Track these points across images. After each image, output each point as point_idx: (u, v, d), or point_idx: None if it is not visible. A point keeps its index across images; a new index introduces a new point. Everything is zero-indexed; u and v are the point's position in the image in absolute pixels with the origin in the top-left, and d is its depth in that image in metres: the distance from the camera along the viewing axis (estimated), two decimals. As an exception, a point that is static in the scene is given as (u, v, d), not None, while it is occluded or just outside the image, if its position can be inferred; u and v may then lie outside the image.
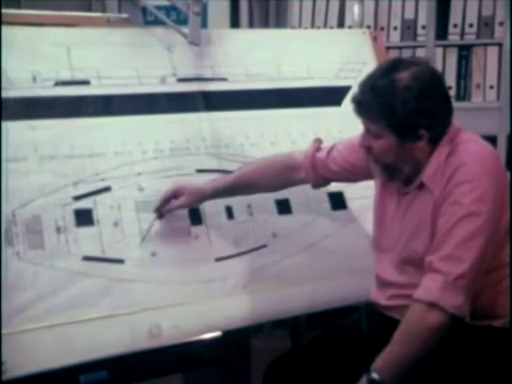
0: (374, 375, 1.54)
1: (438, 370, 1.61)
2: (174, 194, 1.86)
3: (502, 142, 3.31)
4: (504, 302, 1.63)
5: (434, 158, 1.62)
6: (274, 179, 1.94)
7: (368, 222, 2.09)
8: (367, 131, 1.64)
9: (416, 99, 1.54)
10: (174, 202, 1.86)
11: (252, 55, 2.14)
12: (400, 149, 1.60)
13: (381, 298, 1.76)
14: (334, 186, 2.09)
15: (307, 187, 2.05)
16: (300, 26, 3.59)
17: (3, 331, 1.57)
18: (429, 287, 1.54)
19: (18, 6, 2.85)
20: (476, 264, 1.53)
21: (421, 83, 1.55)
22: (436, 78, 1.61)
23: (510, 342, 1.64)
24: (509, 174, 1.65)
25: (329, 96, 2.20)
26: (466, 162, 1.58)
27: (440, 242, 1.56)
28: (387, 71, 1.59)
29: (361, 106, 1.61)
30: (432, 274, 1.54)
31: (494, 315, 1.63)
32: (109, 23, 2.08)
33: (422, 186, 1.65)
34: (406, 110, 1.55)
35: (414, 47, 3.45)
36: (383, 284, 1.75)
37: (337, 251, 2.03)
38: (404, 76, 1.56)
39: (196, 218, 1.90)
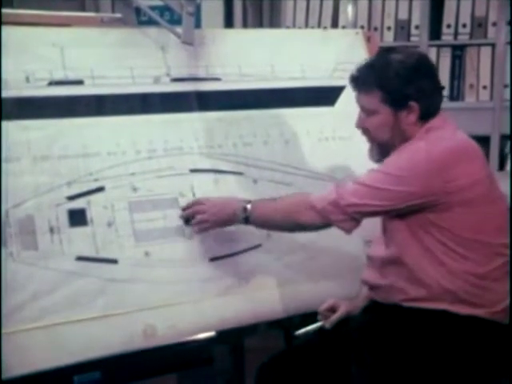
0: (249, 206, 1.79)
1: (421, 358, 1.64)
2: (332, 309, 1.90)
3: (496, 142, 3.33)
4: (482, 290, 1.66)
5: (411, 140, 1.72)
6: None
7: (362, 222, 2.09)
8: (362, 110, 1.76)
9: (408, 70, 1.70)
10: (335, 314, 1.89)
11: (246, 55, 2.14)
12: (394, 123, 1.72)
13: (371, 276, 1.80)
14: (327, 186, 2.09)
15: (300, 186, 2.05)
16: (294, 25, 3.60)
17: (-3, 332, 1.58)
18: (323, 198, 1.72)
19: (11, 6, 2.83)
20: (370, 208, 1.69)
21: (413, 60, 1.72)
22: (425, 59, 1.78)
23: (496, 333, 1.68)
24: (509, 173, 1.67)
25: (322, 96, 2.21)
26: (418, 144, 1.69)
27: (362, 175, 1.73)
28: (382, 53, 1.79)
29: (358, 81, 1.76)
30: (335, 188, 1.72)
31: (477, 303, 1.66)
32: (102, 23, 2.08)
33: None
34: (399, 78, 1.69)
35: (408, 47, 3.46)
36: (374, 262, 1.80)
37: (331, 250, 2.03)
38: (397, 55, 1.73)
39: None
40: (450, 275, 1.66)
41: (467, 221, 1.66)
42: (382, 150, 1.77)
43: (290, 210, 1.77)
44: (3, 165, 1.71)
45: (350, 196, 1.69)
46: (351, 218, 1.71)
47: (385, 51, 1.80)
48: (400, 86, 1.69)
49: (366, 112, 1.75)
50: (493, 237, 1.68)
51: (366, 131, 1.78)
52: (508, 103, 3.34)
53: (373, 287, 1.80)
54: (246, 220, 1.80)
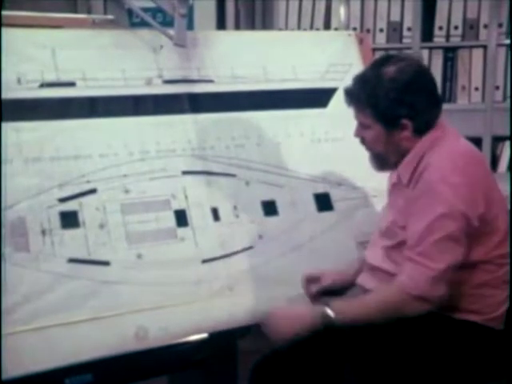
0: (330, 312, 1.63)
1: (416, 361, 1.64)
2: (312, 279, 1.90)
3: (488, 144, 3.34)
4: (480, 297, 1.65)
5: (413, 152, 1.70)
6: None
7: (354, 223, 2.10)
8: (358, 122, 1.73)
9: (398, 90, 1.65)
10: (320, 285, 1.90)
11: (238, 57, 2.14)
12: (387, 138, 1.70)
13: (367, 283, 1.79)
14: (320, 187, 2.09)
15: (293, 188, 2.06)
16: (286, 27, 3.61)
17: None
18: (417, 281, 1.59)
19: (2, 8, 2.83)
20: (458, 258, 1.60)
21: (405, 76, 1.66)
22: (422, 73, 1.71)
23: (493, 340, 1.67)
24: (508, 176, 1.67)
25: (315, 98, 2.21)
26: (437, 159, 1.64)
27: (421, 238, 1.61)
28: (377, 65, 1.71)
29: (350, 96, 1.73)
30: (418, 267, 1.60)
31: (473, 310, 1.65)
32: (94, 25, 2.08)
33: (400, 178, 1.74)
34: (388, 100, 1.65)
35: (400, 49, 3.47)
36: (371, 269, 1.79)
37: (323, 252, 2.03)
38: (391, 69, 1.67)
39: (182, 219, 1.89)
40: (454, 287, 1.63)
41: (475, 239, 1.63)
42: (377, 161, 1.76)
43: (390, 306, 1.63)
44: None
45: (442, 260, 1.58)
46: (447, 283, 1.60)
47: (380, 61, 1.71)
48: (390, 107, 1.65)
49: (361, 125, 1.73)
50: (496, 249, 1.66)
51: (363, 141, 1.76)
52: (499, 105, 3.36)
53: (366, 291, 1.80)
54: (328, 325, 1.64)
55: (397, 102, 1.64)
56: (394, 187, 1.79)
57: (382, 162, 1.75)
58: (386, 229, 1.76)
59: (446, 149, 1.67)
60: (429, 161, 1.65)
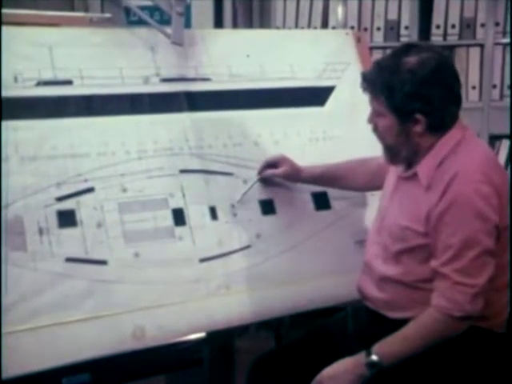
0: (375, 358, 1.59)
1: (424, 369, 1.63)
2: (275, 163, 1.98)
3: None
4: (487, 303, 1.62)
5: (434, 152, 1.65)
6: (362, 178, 2.01)
7: (351, 222, 2.10)
8: (372, 108, 1.69)
9: (414, 84, 1.59)
10: (273, 170, 1.98)
11: (235, 55, 2.14)
12: (399, 130, 1.65)
13: (367, 287, 1.78)
14: (317, 187, 2.09)
15: (290, 187, 2.05)
16: (284, 26, 3.60)
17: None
18: (459, 302, 1.57)
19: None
20: (493, 269, 1.58)
21: (425, 70, 1.60)
22: (443, 67, 1.64)
23: (496, 344, 1.67)
24: (509, 174, 1.65)
25: (312, 96, 2.20)
26: (465, 168, 1.60)
27: (458, 253, 1.57)
28: (398, 53, 1.65)
29: (366, 81, 1.68)
30: (457, 286, 1.57)
31: (480, 316, 1.62)
32: (91, 23, 2.08)
33: (416, 175, 1.69)
34: (403, 93, 1.60)
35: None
36: (372, 274, 1.77)
37: (321, 251, 2.03)
38: (411, 60, 1.61)
39: (180, 218, 1.89)
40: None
41: None
42: (388, 153, 1.71)
43: (435, 333, 1.60)
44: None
45: (480, 275, 1.56)
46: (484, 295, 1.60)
47: (402, 49, 1.65)
48: (404, 100, 1.60)
49: (374, 112, 1.69)
50: (502, 253, 1.63)
51: (375, 129, 1.70)
52: (496, 103, 3.36)
53: (368, 298, 1.79)
54: (375, 370, 1.61)
55: (411, 96, 1.59)
56: (401, 180, 1.74)
57: (392, 154, 1.70)
58: (394, 230, 1.71)
59: (471, 155, 1.63)
60: (456, 170, 1.59)
